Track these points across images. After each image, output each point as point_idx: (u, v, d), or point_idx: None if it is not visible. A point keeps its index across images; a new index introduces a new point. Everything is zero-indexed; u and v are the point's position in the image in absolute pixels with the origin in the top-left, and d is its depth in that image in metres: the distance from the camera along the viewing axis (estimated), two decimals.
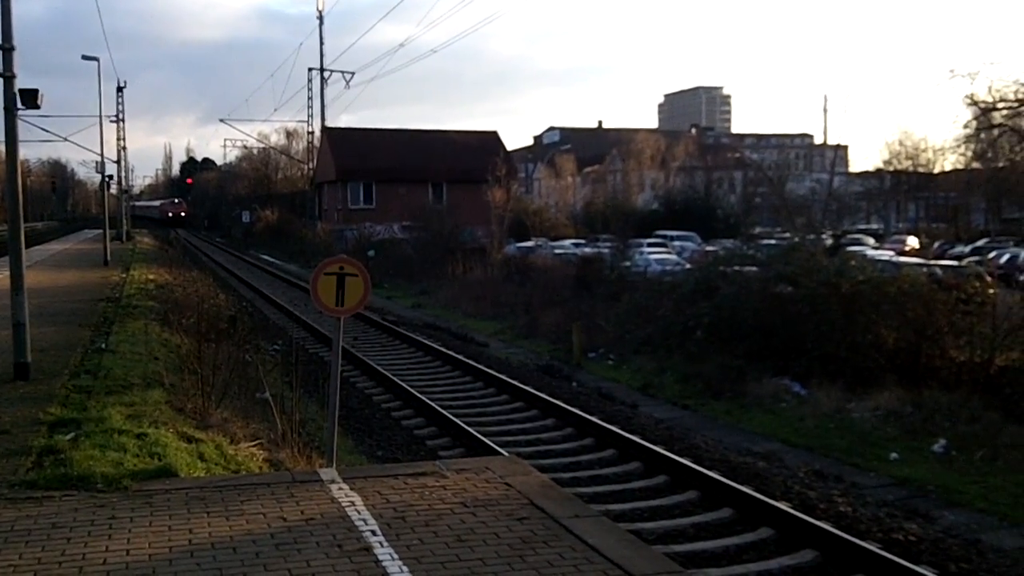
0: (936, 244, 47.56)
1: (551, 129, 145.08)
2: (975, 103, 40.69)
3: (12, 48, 12.82)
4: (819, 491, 11.65)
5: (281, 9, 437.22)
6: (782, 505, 10.49)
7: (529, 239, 48.75)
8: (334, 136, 65.19)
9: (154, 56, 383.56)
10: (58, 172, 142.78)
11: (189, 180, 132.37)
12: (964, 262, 31.53)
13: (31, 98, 13.24)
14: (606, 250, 37.33)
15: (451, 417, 14.86)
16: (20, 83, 13.06)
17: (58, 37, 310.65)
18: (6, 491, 7.73)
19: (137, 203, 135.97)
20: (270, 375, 14.46)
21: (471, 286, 35.74)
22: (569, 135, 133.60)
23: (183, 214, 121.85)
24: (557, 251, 43.18)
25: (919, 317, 18.10)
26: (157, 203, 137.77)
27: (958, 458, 13.27)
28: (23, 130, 14.26)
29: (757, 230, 40.04)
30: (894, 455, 13.53)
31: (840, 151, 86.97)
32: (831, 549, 9.27)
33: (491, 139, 64.59)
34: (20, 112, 13.31)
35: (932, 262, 26.77)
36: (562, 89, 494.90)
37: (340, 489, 7.90)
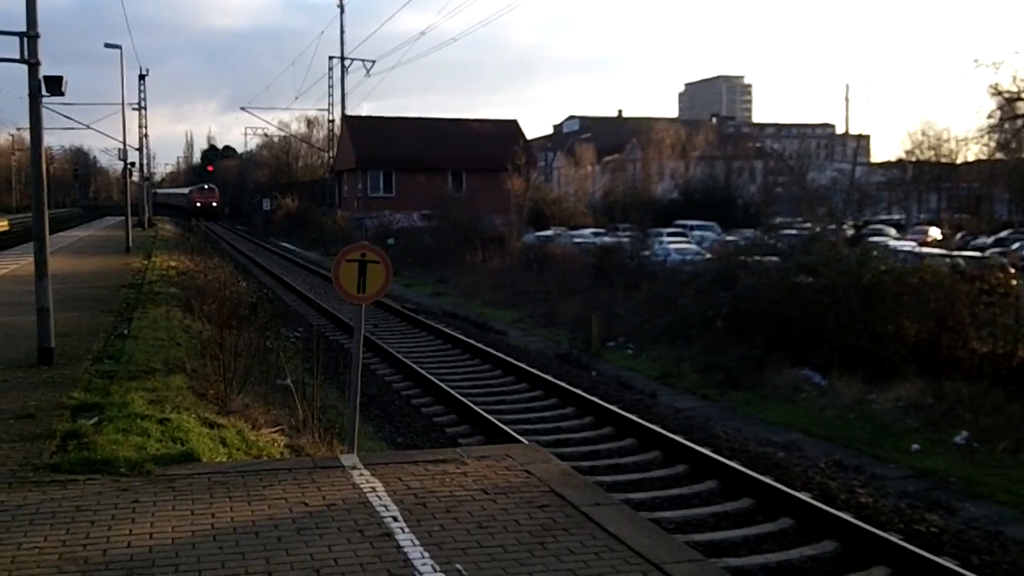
0: (958, 235, 47.15)
1: (571, 118, 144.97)
2: (999, 93, 40.35)
3: (37, 35, 12.88)
4: (840, 482, 11.62)
5: None
6: (802, 495, 10.47)
7: (548, 228, 48.70)
8: (354, 124, 65.25)
9: (178, 43, 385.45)
10: (80, 159, 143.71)
11: (210, 167, 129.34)
12: (987, 253, 31.35)
13: (55, 85, 13.29)
14: (625, 239, 37.21)
15: (470, 405, 14.88)
16: (44, 70, 13.13)
17: (83, 24, 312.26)
18: (31, 474, 7.80)
19: (161, 190, 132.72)
20: (291, 362, 14.53)
21: (490, 275, 35.77)
22: (589, 124, 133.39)
23: (215, 204, 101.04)
24: (576, 240, 43.07)
25: (941, 308, 17.98)
26: (185, 190, 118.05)
27: (980, 450, 13.21)
28: (47, 117, 14.32)
29: (777, 220, 39.73)
30: (915, 446, 13.47)
31: (862, 141, 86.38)
32: (852, 540, 9.25)
33: (511, 128, 64.54)
34: (44, 99, 13.36)
35: (954, 253, 26.54)
36: (582, 77, 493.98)
37: (361, 475, 7.93)
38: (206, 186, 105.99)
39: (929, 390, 15.74)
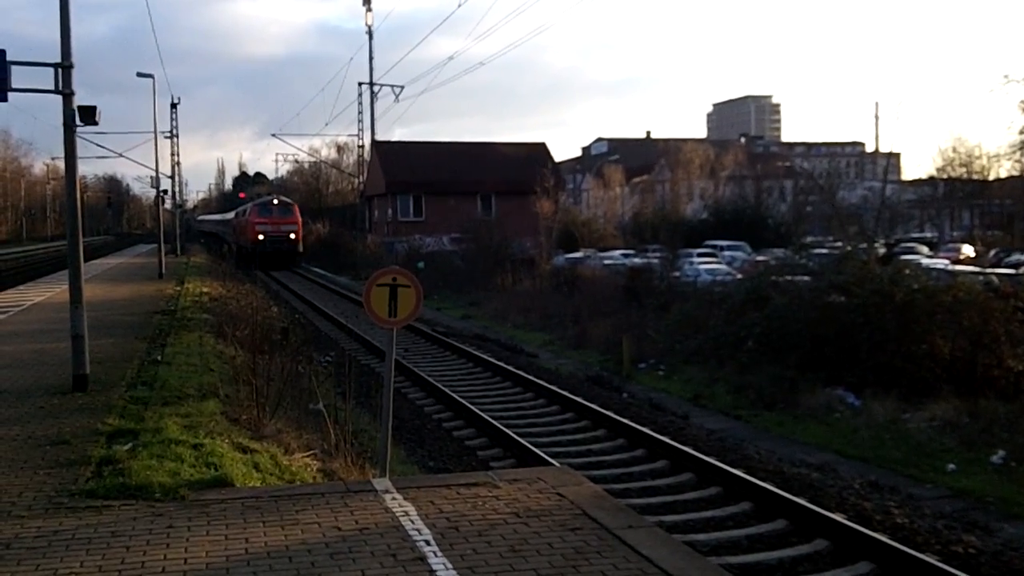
0: (991, 252, 46.72)
1: (599, 140, 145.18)
2: None
3: (71, 66, 13.07)
4: (875, 502, 11.50)
5: (339, 24, 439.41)
6: (837, 516, 10.37)
7: (578, 250, 48.72)
8: (383, 149, 65.61)
9: (214, 72, 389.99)
10: (114, 187, 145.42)
11: (242, 195, 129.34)
12: (1021, 270, 31.00)
13: (89, 115, 13.43)
14: (655, 260, 37.18)
15: (502, 428, 14.87)
16: (79, 100, 13.30)
17: (120, 55, 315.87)
18: (67, 500, 7.88)
19: (201, 216, 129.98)
20: (323, 386, 14.57)
21: (520, 297, 35.79)
22: (617, 145, 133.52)
23: (294, 236, 62.35)
24: (606, 262, 43.08)
25: (975, 326, 17.83)
26: (230, 215, 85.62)
27: (1018, 469, 13.01)
28: (80, 146, 14.49)
29: (808, 239, 39.55)
30: (951, 466, 13.31)
31: (892, 159, 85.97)
32: (888, 561, 9.15)
33: (539, 151, 64.64)
34: (78, 129, 13.53)
35: (988, 270, 26.35)
36: (611, 100, 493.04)
37: (393, 499, 7.95)
38: (275, 200, 65.52)
39: (964, 409, 15.57)
